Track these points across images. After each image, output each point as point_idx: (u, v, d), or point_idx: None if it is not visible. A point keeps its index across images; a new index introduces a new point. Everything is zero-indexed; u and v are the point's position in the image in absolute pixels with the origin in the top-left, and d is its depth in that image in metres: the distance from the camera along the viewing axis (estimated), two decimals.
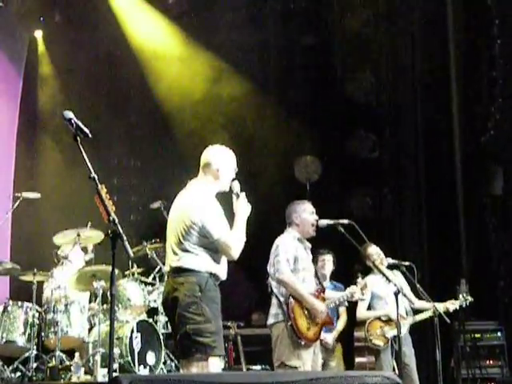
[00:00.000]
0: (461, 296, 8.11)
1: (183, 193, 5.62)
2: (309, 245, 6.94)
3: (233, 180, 5.64)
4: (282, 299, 6.60)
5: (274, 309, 6.67)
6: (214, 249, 5.39)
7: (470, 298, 8.11)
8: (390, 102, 11.62)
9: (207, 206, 5.40)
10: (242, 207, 5.55)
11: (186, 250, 5.35)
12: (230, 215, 5.58)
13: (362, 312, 8.16)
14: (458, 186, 10.56)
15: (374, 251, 7.92)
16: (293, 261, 6.67)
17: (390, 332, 7.87)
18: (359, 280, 7.17)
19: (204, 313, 5.21)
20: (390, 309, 7.72)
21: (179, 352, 5.50)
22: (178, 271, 5.36)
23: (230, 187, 5.63)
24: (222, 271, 5.48)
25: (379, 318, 8.04)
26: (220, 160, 5.61)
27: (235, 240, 5.41)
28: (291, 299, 6.56)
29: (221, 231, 5.36)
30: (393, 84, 11.62)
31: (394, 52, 11.62)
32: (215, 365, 5.25)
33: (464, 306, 8.10)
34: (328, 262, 8.71)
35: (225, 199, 5.68)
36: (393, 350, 7.91)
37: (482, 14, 10.67)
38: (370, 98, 11.49)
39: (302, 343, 6.47)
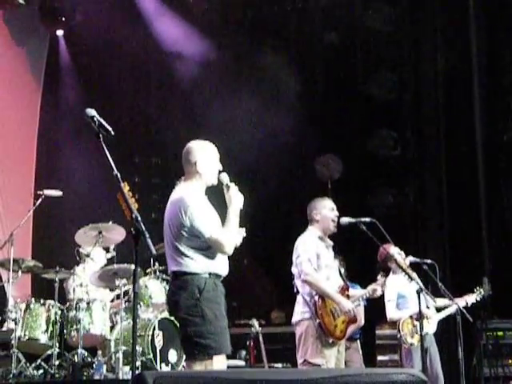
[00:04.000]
0: (475, 288, 8.17)
1: (172, 195, 5.55)
2: (330, 242, 6.93)
3: (220, 172, 5.56)
4: (307, 298, 6.60)
5: (299, 306, 6.67)
6: (207, 247, 5.34)
7: (482, 291, 8.16)
8: (412, 100, 11.57)
9: (193, 205, 5.30)
10: (234, 199, 5.46)
11: (182, 254, 5.31)
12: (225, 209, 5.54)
13: (393, 312, 8.15)
14: (480, 184, 10.50)
15: (395, 251, 7.91)
16: (315, 259, 6.66)
17: (423, 329, 7.89)
18: (379, 277, 7.17)
19: (204, 314, 5.20)
20: (421, 307, 7.75)
21: (184, 354, 5.54)
22: (177, 275, 5.35)
23: (220, 180, 5.55)
24: (221, 268, 5.44)
25: (411, 317, 8.04)
26: (197, 154, 5.51)
27: (227, 236, 5.36)
28: (318, 298, 6.55)
29: (211, 229, 5.30)
30: (415, 82, 11.56)
31: (416, 50, 11.57)
32: (219, 363, 5.23)
33: (480, 298, 8.17)
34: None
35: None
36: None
37: (505, 9, 10.61)
38: (391, 96, 11.44)
39: (330, 341, 6.49)
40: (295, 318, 6.71)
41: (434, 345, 8.02)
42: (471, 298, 8.16)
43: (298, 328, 6.65)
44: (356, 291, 7.17)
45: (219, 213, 5.53)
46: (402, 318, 8.05)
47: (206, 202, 5.51)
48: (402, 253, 7.93)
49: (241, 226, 5.57)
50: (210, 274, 5.32)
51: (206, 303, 5.22)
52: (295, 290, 6.77)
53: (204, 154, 5.53)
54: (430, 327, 7.99)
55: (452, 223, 10.71)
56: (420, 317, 6.53)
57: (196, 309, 5.20)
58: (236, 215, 5.46)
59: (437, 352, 8.00)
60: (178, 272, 5.34)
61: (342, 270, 8.51)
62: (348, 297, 6.81)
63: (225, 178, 5.54)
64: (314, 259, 6.66)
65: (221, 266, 5.44)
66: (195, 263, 5.30)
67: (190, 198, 5.36)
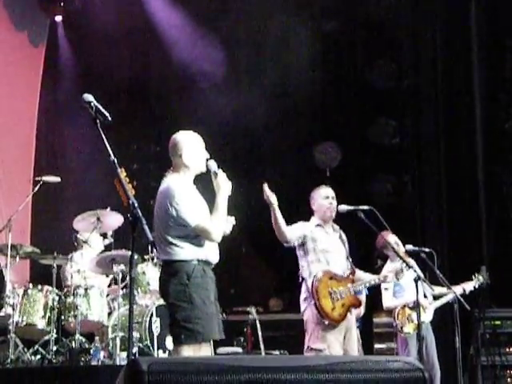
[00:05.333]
0: (473, 276, 8.18)
1: (160, 186, 5.62)
2: (336, 227, 6.98)
3: (208, 159, 5.59)
4: (308, 280, 6.64)
5: (303, 294, 6.74)
6: (195, 236, 5.39)
7: (481, 279, 8.17)
8: (412, 89, 11.54)
9: (179, 195, 5.36)
10: (221, 186, 5.50)
11: (170, 243, 5.36)
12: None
13: (390, 301, 8.17)
14: (479, 172, 10.49)
15: (392, 240, 7.92)
16: (309, 240, 6.72)
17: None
18: (395, 265, 7.18)
19: (192, 300, 5.24)
20: (419, 295, 7.79)
21: (172, 340, 5.57)
22: (167, 263, 5.43)
23: (207, 167, 5.58)
24: (210, 255, 5.48)
25: (406, 306, 8.06)
26: (181, 145, 5.58)
27: (214, 223, 5.40)
28: (316, 279, 6.57)
29: (196, 218, 5.34)
30: (414, 70, 11.53)
31: (415, 38, 11.53)
32: (203, 350, 5.27)
33: (478, 286, 8.16)
34: None
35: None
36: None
37: None
38: (391, 84, 11.41)
39: (326, 323, 6.51)
40: (301, 308, 6.79)
41: (431, 333, 8.05)
42: (469, 286, 8.18)
43: (304, 316, 6.74)
44: (365, 275, 7.16)
45: (209, 201, 5.56)
46: (397, 306, 8.07)
47: (195, 191, 5.57)
48: (399, 241, 7.95)
49: (232, 214, 5.63)
50: (198, 260, 5.36)
51: (195, 289, 5.27)
52: (300, 279, 6.81)
53: (189, 146, 5.58)
54: (426, 316, 8.01)
55: (450, 212, 10.70)
56: (417, 305, 6.55)
57: (184, 294, 5.25)
58: (224, 202, 5.50)
59: (433, 340, 8.03)
60: (168, 260, 5.41)
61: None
62: (352, 281, 6.82)
63: (213, 165, 5.58)
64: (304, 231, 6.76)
65: (210, 253, 5.48)
66: (183, 251, 5.35)
67: (176, 188, 5.42)
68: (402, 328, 8.01)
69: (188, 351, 5.19)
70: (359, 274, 7.05)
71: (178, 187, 5.43)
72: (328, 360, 2.86)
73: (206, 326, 5.26)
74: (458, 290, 7.77)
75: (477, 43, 10.76)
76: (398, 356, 7.44)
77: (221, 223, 5.46)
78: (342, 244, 7.03)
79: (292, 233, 6.75)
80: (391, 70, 11.41)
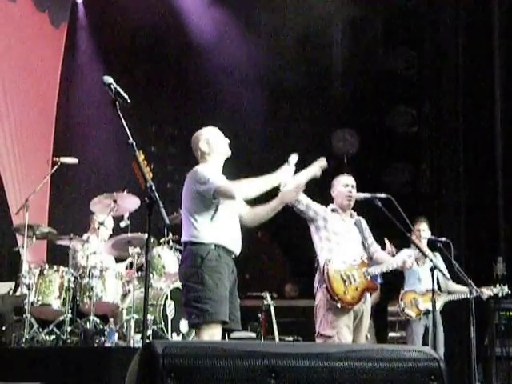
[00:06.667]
0: (498, 285, 8.08)
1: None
2: (355, 214, 6.91)
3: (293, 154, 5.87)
4: (321, 264, 6.60)
5: (316, 278, 6.68)
6: (216, 215, 5.46)
7: (506, 289, 8.08)
8: (431, 77, 11.47)
9: (202, 171, 5.48)
10: (288, 193, 5.72)
11: (191, 224, 5.47)
12: None
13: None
14: (497, 161, 10.42)
15: (422, 227, 7.94)
16: (321, 219, 6.68)
17: (423, 304, 7.90)
18: (414, 252, 7.15)
19: (204, 281, 5.32)
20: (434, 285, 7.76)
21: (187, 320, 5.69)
22: (186, 244, 5.54)
23: (289, 159, 5.82)
24: (231, 243, 5.54)
25: (414, 290, 8.04)
26: (198, 137, 5.75)
27: (239, 184, 5.46)
28: (328, 262, 6.53)
29: (218, 181, 5.41)
30: (434, 58, 11.46)
31: (435, 26, 11.45)
32: (211, 330, 5.32)
33: (500, 295, 8.08)
34: None
35: None
36: (425, 325, 7.94)
37: None
38: (410, 72, 11.35)
39: (338, 305, 6.43)
40: (314, 291, 6.75)
41: (440, 324, 7.95)
42: (488, 291, 8.00)
43: (316, 301, 6.68)
44: (385, 256, 7.05)
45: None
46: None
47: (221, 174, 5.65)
48: (424, 229, 7.95)
49: (255, 200, 5.67)
50: (216, 245, 5.43)
51: (207, 271, 5.34)
52: (316, 264, 6.77)
53: (204, 135, 5.74)
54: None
55: (468, 201, 10.65)
56: (432, 295, 6.53)
57: (197, 276, 5.33)
58: (268, 185, 5.59)
59: (441, 332, 7.91)
60: (188, 242, 5.50)
61: None
62: (364, 265, 6.73)
63: (293, 159, 5.87)
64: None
65: (231, 241, 5.54)
66: (203, 234, 5.43)
67: (200, 168, 5.56)
68: (404, 310, 8.01)
69: (204, 333, 5.27)
70: (382, 255, 6.94)
71: (203, 168, 5.56)
72: (344, 348, 2.85)
73: (216, 306, 5.30)
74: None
75: (499, 30, 10.67)
76: (414, 346, 7.41)
77: (248, 188, 5.51)
78: (358, 231, 6.96)
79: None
80: (412, 57, 11.35)
